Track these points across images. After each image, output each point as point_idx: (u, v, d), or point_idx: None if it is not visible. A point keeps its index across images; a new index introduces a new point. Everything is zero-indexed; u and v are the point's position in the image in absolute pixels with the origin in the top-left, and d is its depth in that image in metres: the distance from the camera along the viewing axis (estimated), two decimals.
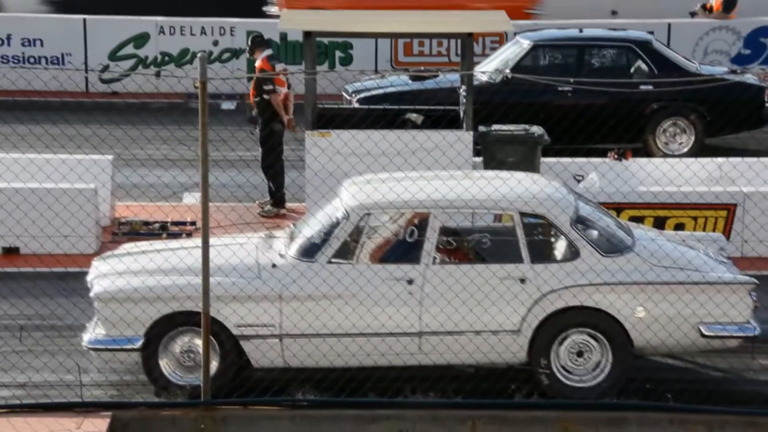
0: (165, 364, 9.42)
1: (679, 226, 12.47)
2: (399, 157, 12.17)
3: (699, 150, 15.45)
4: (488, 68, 15.93)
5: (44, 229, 12.01)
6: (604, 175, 13.04)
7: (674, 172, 12.54)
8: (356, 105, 15.43)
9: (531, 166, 12.82)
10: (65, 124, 13.38)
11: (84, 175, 12.83)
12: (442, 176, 9.90)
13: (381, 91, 15.57)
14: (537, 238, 9.52)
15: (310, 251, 9.45)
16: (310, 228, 9.68)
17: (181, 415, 9.05)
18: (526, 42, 15.90)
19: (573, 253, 9.40)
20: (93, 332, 9.48)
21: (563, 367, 9.42)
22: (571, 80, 14.21)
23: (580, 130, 14.18)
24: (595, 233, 9.57)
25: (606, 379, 9.40)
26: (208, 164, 9.09)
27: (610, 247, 9.49)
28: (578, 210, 9.59)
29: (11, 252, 12.48)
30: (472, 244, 9.67)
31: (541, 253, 9.46)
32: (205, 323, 9.08)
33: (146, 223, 13.13)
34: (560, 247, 9.57)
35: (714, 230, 12.38)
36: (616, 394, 9.37)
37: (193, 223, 13.08)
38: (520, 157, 12.80)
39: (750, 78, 16.11)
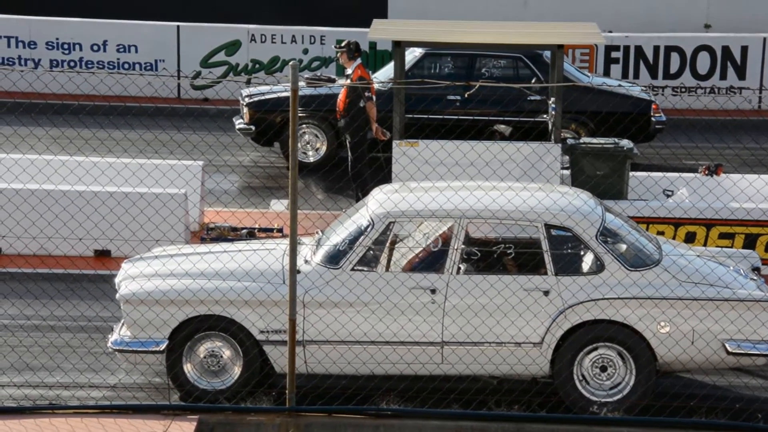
0: (189, 368, 9.43)
1: None
2: (487, 168, 12.14)
3: None
4: (382, 76, 15.72)
5: (136, 232, 12.21)
6: (695, 190, 12.85)
7: None
8: (246, 109, 15.47)
9: (620, 180, 12.68)
10: (158, 130, 13.59)
11: (176, 180, 13.01)
12: (470, 186, 9.82)
13: (273, 95, 15.47)
14: (562, 250, 9.45)
15: (334, 258, 9.44)
16: (336, 235, 9.65)
17: (266, 421, 9.12)
18: (418, 50, 15.63)
19: (598, 266, 9.33)
20: (118, 334, 9.54)
21: (585, 381, 9.32)
22: (458, 84, 13.63)
23: (471, 140, 13.87)
24: (621, 247, 9.48)
25: (629, 394, 9.28)
26: (297, 171, 9.17)
27: (637, 261, 9.39)
28: (605, 223, 9.51)
29: (103, 254, 12.70)
30: (497, 255, 9.61)
31: (566, 266, 9.37)
32: (291, 329, 9.14)
33: (234, 229, 13.26)
34: (585, 260, 9.49)
35: None
36: (706, 411, 9.24)
37: (280, 230, 13.18)
38: (609, 170, 12.68)
39: (639, 92, 15.79)
